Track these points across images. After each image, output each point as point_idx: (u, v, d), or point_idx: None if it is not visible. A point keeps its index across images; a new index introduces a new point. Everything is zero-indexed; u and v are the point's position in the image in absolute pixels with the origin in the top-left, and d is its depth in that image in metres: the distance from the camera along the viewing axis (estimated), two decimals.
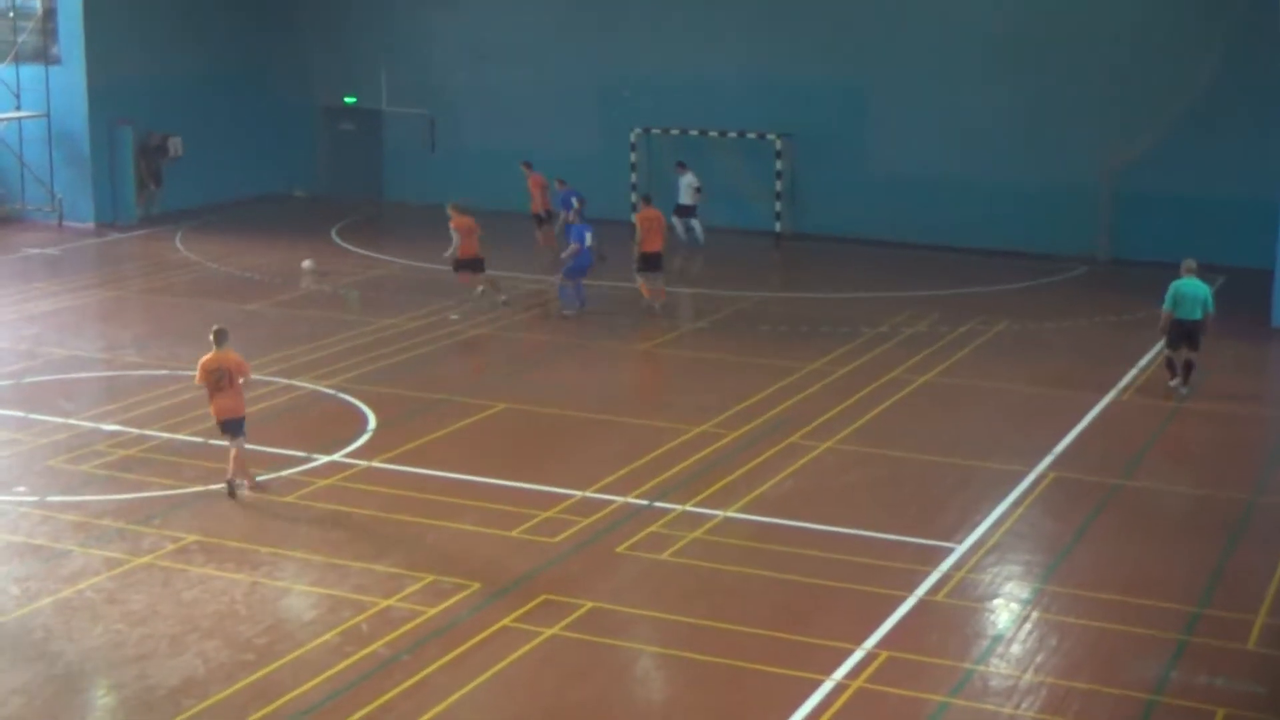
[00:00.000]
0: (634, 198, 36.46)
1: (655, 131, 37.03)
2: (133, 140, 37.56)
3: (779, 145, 35.89)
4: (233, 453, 18.71)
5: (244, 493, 18.65)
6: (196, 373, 18.95)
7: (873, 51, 35.52)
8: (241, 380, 18.77)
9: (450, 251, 28.52)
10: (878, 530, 17.69)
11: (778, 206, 36.22)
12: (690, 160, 35.81)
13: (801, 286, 31.68)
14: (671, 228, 35.42)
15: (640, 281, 28.59)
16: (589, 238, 27.93)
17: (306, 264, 31.09)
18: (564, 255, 28.24)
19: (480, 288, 28.76)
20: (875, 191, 35.51)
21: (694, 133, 36.67)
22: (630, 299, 29.12)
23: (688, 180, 35.49)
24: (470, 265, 28.51)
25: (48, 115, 36.85)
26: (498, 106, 39.00)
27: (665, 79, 37.08)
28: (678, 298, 30.35)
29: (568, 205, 31.71)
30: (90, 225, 36.89)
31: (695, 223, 35.49)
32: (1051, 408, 22.73)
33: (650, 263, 28.56)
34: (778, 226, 36.22)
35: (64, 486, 18.88)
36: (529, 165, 34.45)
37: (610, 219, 34.19)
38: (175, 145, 38.52)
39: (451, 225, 28.38)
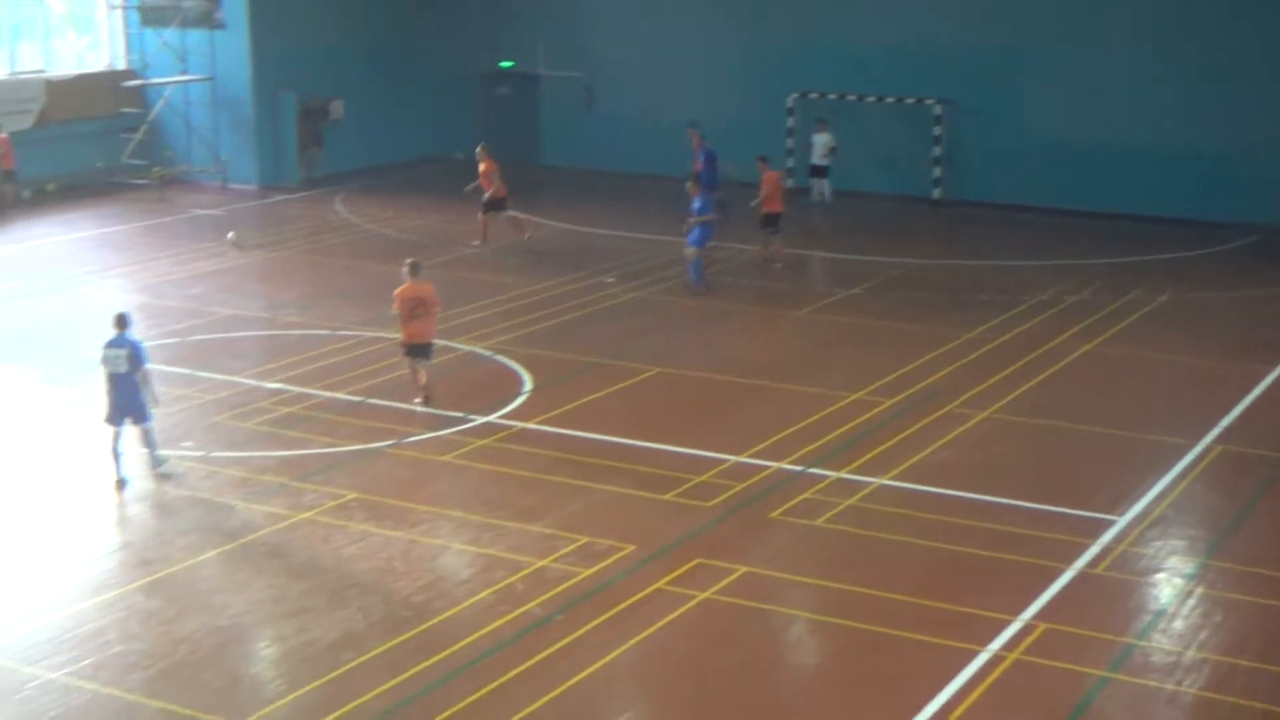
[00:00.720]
0: (790, 163, 36.32)
1: (812, 96, 36.72)
2: (295, 104, 38.15)
3: (937, 110, 35.42)
4: (420, 373, 20.51)
5: (419, 406, 20.32)
6: (393, 301, 20.62)
7: (1032, 15, 34.85)
8: (436, 310, 20.77)
9: (471, 186, 30.82)
10: (1036, 501, 17.44)
11: (936, 172, 35.77)
12: (847, 125, 35.48)
13: (959, 253, 31.29)
14: (807, 190, 35.33)
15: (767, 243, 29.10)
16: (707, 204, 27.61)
17: (231, 235, 30.62)
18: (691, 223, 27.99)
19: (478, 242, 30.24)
20: (1036, 156, 34.86)
21: (851, 97, 36.31)
22: (790, 263, 28.99)
23: (824, 139, 35.29)
24: (499, 205, 30.52)
25: (213, 79, 37.53)
26: (654, 70, 38.91)
27: (822, 42, 36.73)
28: (833, 263, 30.14)
29: (709, 159, 31.80)
30: (254, 187, 37.55)
31: (827, 184, 35.31)
32: (1218, 380, 22.22)
33: (770, 223, 28.93)
34: (935, 193, 35.78)
35: (228, 442, 19.26)
36: (695, 128, 33.86)
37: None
38: (337, 109, 39.06)
39: (484, 168, 30.25)
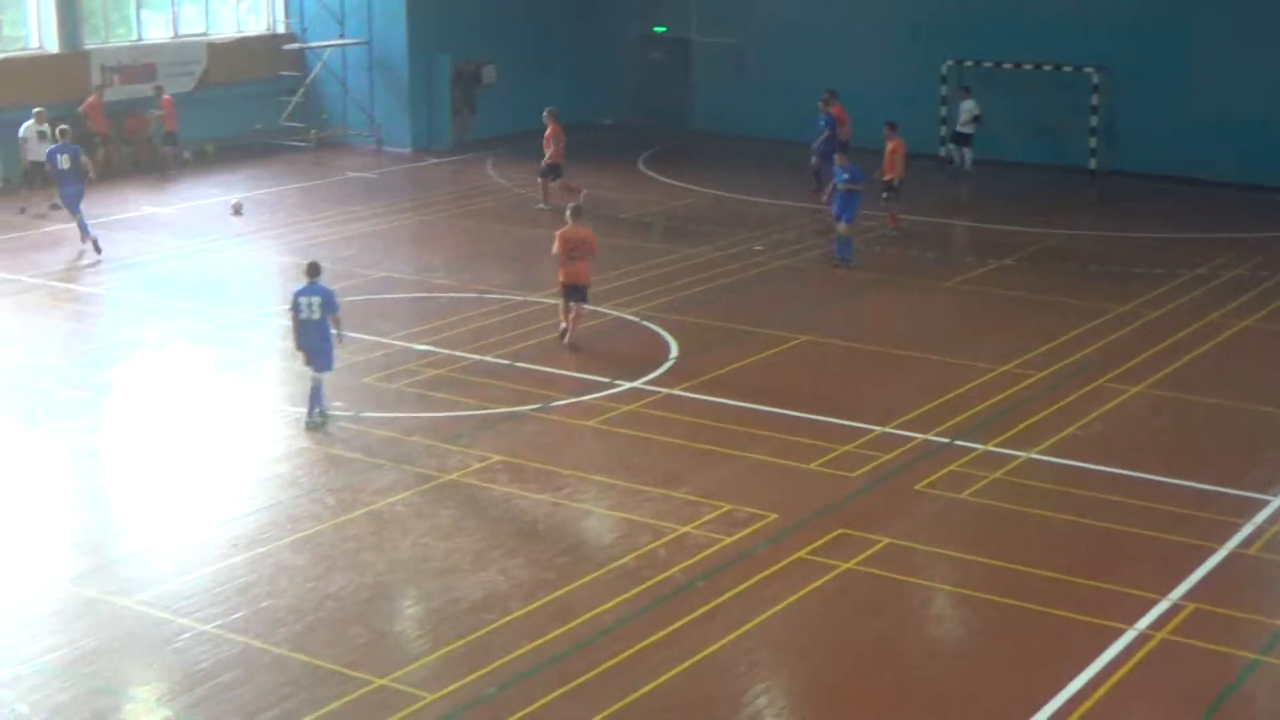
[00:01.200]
0: (942, 131, 35.89)
1: (967, 64, 36.22)
2: (449, 68, 38.48)
3: (1095, 79, 34.77)
4: (574, 313, 21.52)
5: (566, 344, 21.46)
6: (555, 242, 21.52)
7: None
8: (594, 253, 21.76)
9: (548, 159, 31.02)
10: (1188, 479, 17.12)
11: (1092, 143, 35.13)
12: (1002, 93, 34.97)
13: (1115, 225, 30.73)
14: (949, 159, 34.92)
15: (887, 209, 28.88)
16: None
17: (235, 201, 30.81)
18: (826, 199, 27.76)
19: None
20: (1197, 128, 34.05)
21: (1007, 65, 35.77)
22: (939, 233, 28.71)
23: (968, 106, 34.87)
24: (554, 171, 31.09)
25: (369, 43, 37.99)
26: (807, 36, 38.62)
27: (978, 9, 36.21)
28: (984, 234, 29.77)
29: (830, 126, 31.63)
30: (407, 150, 37.96)
31: (968, 152, 34.89)
32: None
33: (887, 188, 28.74)
34: (1092, 163, 35.14)
35: (377, 403, 19.54)
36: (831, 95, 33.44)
37: (916, 152, 33.37)
38: (489, 73, 39.33)
39: (549, 132, 30.86)
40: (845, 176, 26.58)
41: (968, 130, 35.16)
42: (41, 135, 29.53)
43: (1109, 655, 13.14)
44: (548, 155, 31.12)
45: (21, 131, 30.12)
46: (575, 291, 21.58)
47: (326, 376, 18.67)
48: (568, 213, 21.87)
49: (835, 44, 38.11)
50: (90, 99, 33.37)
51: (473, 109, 39.22)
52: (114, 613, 13.86)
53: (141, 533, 15.80)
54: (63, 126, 28.54)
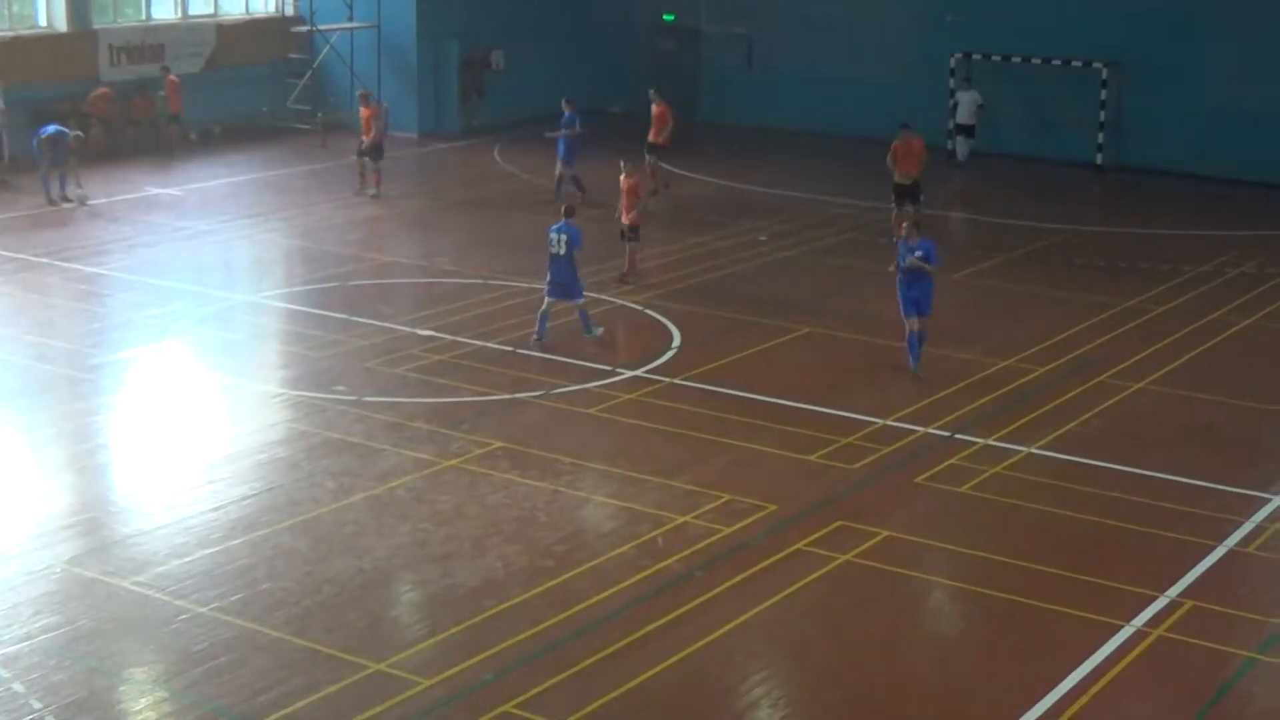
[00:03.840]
0: (950, 124, 35.80)
1: (976, 57, 36.15)
2: (457, 53, 38.44)
3: (1104, 74, 34.70)
4: (631, 254, 24.41)
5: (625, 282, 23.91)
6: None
7: None
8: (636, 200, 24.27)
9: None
10: (1188, 476, 17.11)
11: (1100, 137, 35.07)
12: (1010, 86, 34.91)
13: (1121, 220, 30.70)
14: (952, 152, 34.84)
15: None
16: None
17: (79, 192, 29.73)
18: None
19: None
20: (1206, 123, 34.01)
21: (1016, 59, 35.71)
22: (945, 226, 28.63)
23: (971, 97, 34.81)
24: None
25: (378, 26, 37.92)
26: (816, 27, 38.56)
27: (988, 2, 36.13)
28: (990, 227, 29.73)
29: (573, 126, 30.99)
30: (414, 135, 37.92)
31: (967, 142, 35.02)
32: None
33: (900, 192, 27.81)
34: (1099, 158, 35.09)
35: (380, 387, 19.54)
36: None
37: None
38: (497, 59, 39.29)
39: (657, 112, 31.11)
40: (918, 253, 20.05)
41: (971, 122, 35.08)
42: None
43: (1106, 651, 13.14)
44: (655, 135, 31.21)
45: None
46: (628, 233, 24.28)
47: (579, 303, 21.30)
48: (622, 164, 24.68)
49: (843, 36, 38.06)
50: (101, 90, 33.43)
51: (481, 94, 39.18)
52: (111, 593, 13.88)
53: (140, 514, 15.81)
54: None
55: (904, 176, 27.60)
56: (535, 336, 21.09)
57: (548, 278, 21.23)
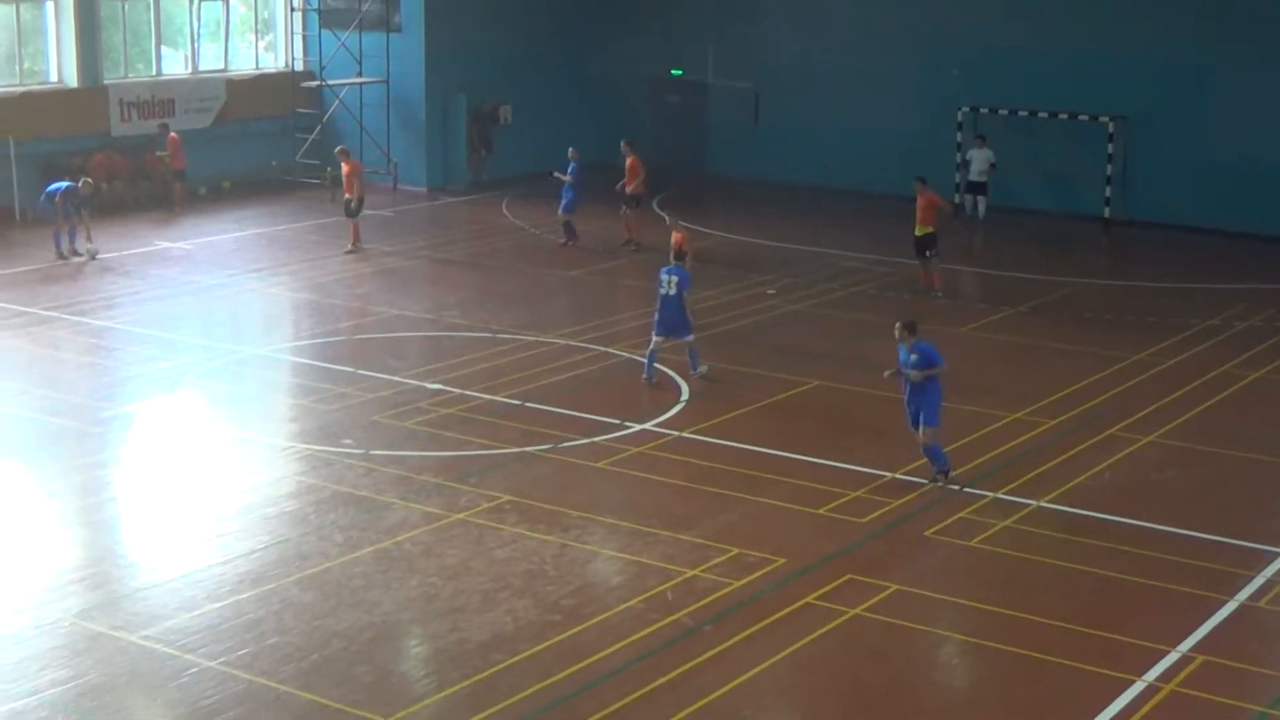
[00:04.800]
0: (957, 178, 35.90)
1: (983, 111, 36.28)
2: (466, 108, 38.63)
3: (1111, 128, 34.81)
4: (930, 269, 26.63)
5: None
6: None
7: (1217, 28, 34.09)
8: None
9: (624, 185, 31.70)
10: (1198, 530, 17.05)
11: (1107, 191, 35.15)
12: (1017, 140, 35.00)
13: (1129, 274, 30.74)
14: (962, 206, 34.91)
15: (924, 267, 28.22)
16: None
17: (90, 246, 29.67)
18: None
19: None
20: (1214, 177, 34.08)
21: (1023, 113, 35.84)
22: (954, 280, 28.66)
23: (985, 155, 34.92)
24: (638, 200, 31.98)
25: (387, 81, 38.13)
26: (822, 81, 38.74)
27: (995, 57, 36.30)
28: (998, 280, 29.76)
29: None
30: (423, 189, 38.05)
31: (983, 200, 35.01)
32: None
33: (923, 245, 27.92)
34: (1107, 211, 35.16)
35: (388, 441, 19.54)
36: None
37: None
38: (505, 113, 39.48)
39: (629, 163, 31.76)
40: (914, 358, 18.33)
41: (983, 179, 35.20)
42: None
43: (1118, 706, 13.07)
44: (637, 186, 31.76)
45: None
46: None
47: (689, 340, 21.88)
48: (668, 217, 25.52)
49: (851, 90, 38.22)
50: (97, 158, 33.73)
51: (489, 148, 39.35)
52: (119, 648, 13.84)
53: (149, 568, 15.79)
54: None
55: (918, 229, 27.80)
56: (645, 375, 21.83)
57: (655, 317, 21.97)
